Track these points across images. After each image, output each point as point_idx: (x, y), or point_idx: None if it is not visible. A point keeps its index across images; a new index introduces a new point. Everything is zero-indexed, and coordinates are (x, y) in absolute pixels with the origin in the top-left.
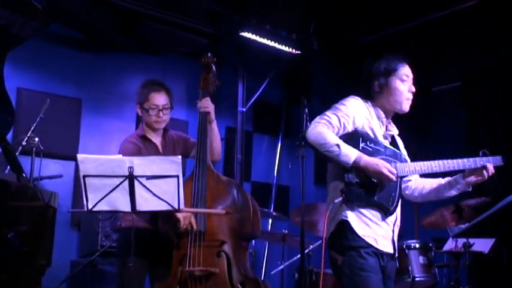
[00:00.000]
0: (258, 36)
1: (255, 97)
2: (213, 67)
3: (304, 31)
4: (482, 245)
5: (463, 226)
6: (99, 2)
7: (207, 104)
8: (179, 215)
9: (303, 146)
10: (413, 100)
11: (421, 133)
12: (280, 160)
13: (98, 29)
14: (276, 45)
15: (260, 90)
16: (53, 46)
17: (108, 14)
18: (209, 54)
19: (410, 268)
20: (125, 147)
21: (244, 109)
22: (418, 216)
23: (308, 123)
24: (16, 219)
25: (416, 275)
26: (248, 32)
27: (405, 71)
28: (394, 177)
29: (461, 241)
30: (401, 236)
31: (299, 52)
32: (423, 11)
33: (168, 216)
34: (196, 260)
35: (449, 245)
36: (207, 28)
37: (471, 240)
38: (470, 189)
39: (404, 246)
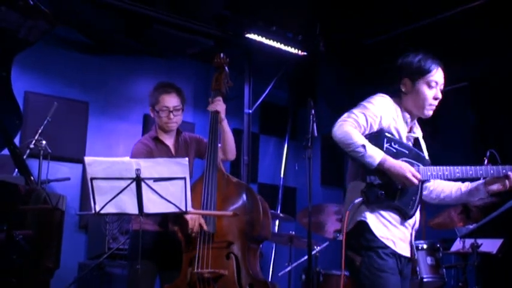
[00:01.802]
0: (264, 38)
1: (261, 99)
2: (226, 68)
3: (311, 32)
4: (490, 245)
5: (471, 227)
6: (106, 5)
7: (217, 104)
8: (187, 217)
9: (309, 147)
10: None
11: (428, 133)
12: (287, 161)
13: (104, 33)
14: (282, 46)
15: (266, 92)
16: (60, 50)
17: (115, 17)
18: (222, 55)
19: (418, 269)
20: (137, 149)
21: (250, 111)
22: (425, 216)
23: (315, 125)
24: (24, 222)
25: (424, 276)
26: (254, 34)
27: (435, 77)
28: (417, 182)
29: (469, 242)
30: None
31: (305, 53)
32: (430, 11)
33: (178, 218)
34: (205, 261)
35: (457, 245)
36: (214, 30)
37: (479, 241)
38: (490, 198)
39: (414, 248)
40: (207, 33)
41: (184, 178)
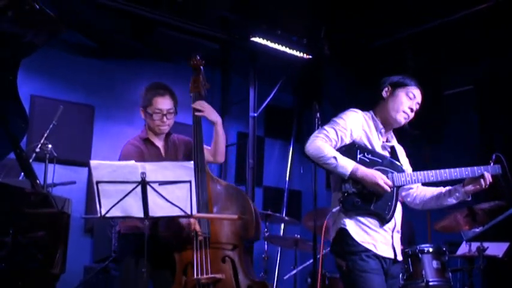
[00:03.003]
0: (269, 42)
1: (266, 102)
2: (202, 69)
3: (315, 36)
4: (496, 249)
5: (477, 230)
6: (111, 9)
7: (201, 107)
8: (184, 222)
9: None
10: (425, 103)
11: (433, 137)
12: (292, 165)
13: (110, 36)
14: (287, 50)
15: (271, 95)
16: (66, 54)
17: (121, 21)
18: (198, 57)
19: (423, 272)
20: (127, 150)
21: (255, 114)
22: (431, 220)
23: (320, 128)
24: (30, 226)
25: (430, 279)
26: (259, 37)
27: (415, 92)
28: (388, 189)
29: (475, 245)
30: (414, 241)
31: (310, 56)
32: (435, 14)
33: (170, 224)
34: (201, 267)
35: (463, 249)
36: (219, 34)
37: (485, 244)
38: (470, 199)
39: (417, 251)
40: (211, 36)
41: (190, 181)
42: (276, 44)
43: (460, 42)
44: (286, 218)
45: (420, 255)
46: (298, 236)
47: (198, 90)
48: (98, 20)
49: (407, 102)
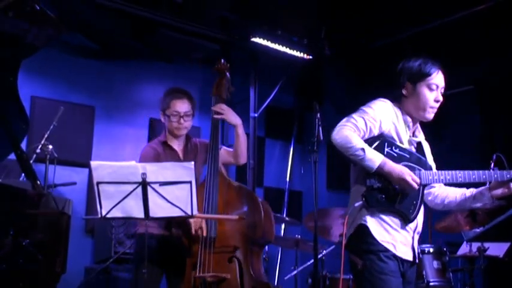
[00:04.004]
0: (269, 42)
1: (267, 102)
2: (227, 73)
3: (316, 36)
4: (496, 249)
5: (478, 230)
6: (112, 10)
7: (221, 110)
8: (190, 220)
9: (315, 151)
10: None
11: (434, 137)
12: (293, 165)
13: (110, 37)
14: (288, 50)
15: (272, 96)
16: (66, 55)
17: (120, 21)
18: (223, 61)
19: (424, 273)
20: (146, 152)
21: (256, 114)
22: (431, 220)
23: (320, 128)
24: (31, 227)
25: (431, 280)
26: (260, 38)
27: (436, 80)
28: (416, 186)
29: (475, 245)
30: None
31: (311, 57)
32: (435, 14)
33: (181, 222)
34: (207, 266)
35: (464, 249)
36: (219, 34)
37: (486, 245)
38: (495, 203)
39: (418, 251)
40: (212, 37)
41: (190, 182)
42: (277, 45)
43: (460, 42)
44: (286, 218)
45: (421, 256)
46: (299, 237)
47: (219, 93)
48: (97, 20)
49: (431, 96)
